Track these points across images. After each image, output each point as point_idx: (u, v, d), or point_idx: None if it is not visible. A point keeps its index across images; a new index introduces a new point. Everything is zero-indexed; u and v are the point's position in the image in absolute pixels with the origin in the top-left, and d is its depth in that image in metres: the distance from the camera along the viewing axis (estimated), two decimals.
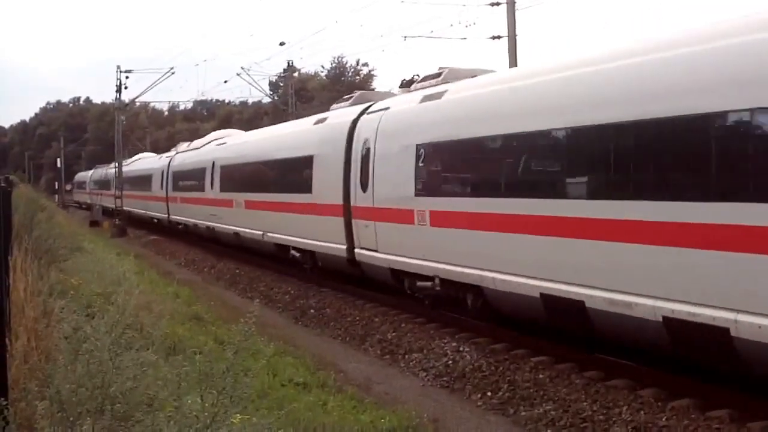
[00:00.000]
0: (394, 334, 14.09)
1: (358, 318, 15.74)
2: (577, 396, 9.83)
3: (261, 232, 22.10)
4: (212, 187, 27.75)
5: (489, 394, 10.56)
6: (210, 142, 32.25)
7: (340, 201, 16.75)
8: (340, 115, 18.50)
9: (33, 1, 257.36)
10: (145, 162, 47.45)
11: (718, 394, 9.13)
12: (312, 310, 17.24)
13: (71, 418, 4.74)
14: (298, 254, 19.86)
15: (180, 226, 33.96)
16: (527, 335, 12.30)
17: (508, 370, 11.20)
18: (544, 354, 11.52)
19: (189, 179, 31.98)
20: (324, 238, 17.80)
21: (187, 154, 34.14)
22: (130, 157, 55.40)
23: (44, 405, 4.90)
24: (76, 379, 4.99)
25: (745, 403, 8.76)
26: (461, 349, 12.37)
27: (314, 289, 19.09)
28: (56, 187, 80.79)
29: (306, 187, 18.85)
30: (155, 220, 39.51)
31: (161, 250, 32.87)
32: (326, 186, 17.62)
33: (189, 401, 5.19)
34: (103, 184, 60.18)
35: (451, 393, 10.96)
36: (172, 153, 38.80)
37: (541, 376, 10.73)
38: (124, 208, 45.23)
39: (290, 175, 20.51)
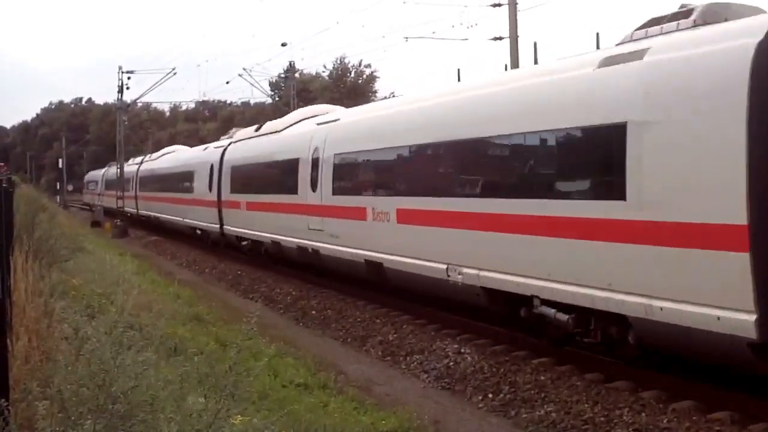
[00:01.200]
0: (395, 335, 14.09)
1: (359, 319, 15.74)
2: (578, 398, 9.82)
3: (443, 266, 13.00)
4: (315, 188, 18.44)
5: (490, 395, 10.55)
6: (300, 121, 22.12)
7: None
8: (727, 33, 8.78)
9: (35, 0, 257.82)
10: (180, 156, 37.93)
11: (720, 395, 9.12)
12: (313, 311, 17.23)
13: (72, 417, 4.74)
14: (590, 329, 10.51)
15: (244, 243, 24.55)
16: (528, 337, 12.28)
17: (509, 371, 11.19)
18: (546, 356, 11.51)
19: (262, 177, 23.16)
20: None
21: (254, 142, 24.56)
22: (129, 157, 54.40)
23: (45, 405, 4.90)
24: (78, 379, 4.99)
25: (747, 404, 8.76)
26: (462, 350, 12.37)
27: (315, 290, 19.08)
28: (58, 187, 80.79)
29: (612, 188, 9.61)
30: (198, 231, 30.37)
31: (162, 251, 32.88)
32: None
33: (191, 401, 5.19)
34: (118, 183, 51.22)
35: (452, 395, 10.95)
36: (224, 142, 29.31)
37: (542, 377, 10.73)
38: (147, 213, 40.58)
39: (562, 163, 10.93)
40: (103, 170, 64.86)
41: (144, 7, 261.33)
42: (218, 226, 26.95)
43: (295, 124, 22.15)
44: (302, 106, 39.64)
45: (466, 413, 10.07)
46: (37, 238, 13.09)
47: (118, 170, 46.74)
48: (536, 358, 11.47)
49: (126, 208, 46.62)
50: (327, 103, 30.65)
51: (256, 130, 25.35)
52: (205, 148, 32.03)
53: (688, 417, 8.75)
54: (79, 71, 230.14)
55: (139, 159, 49.35)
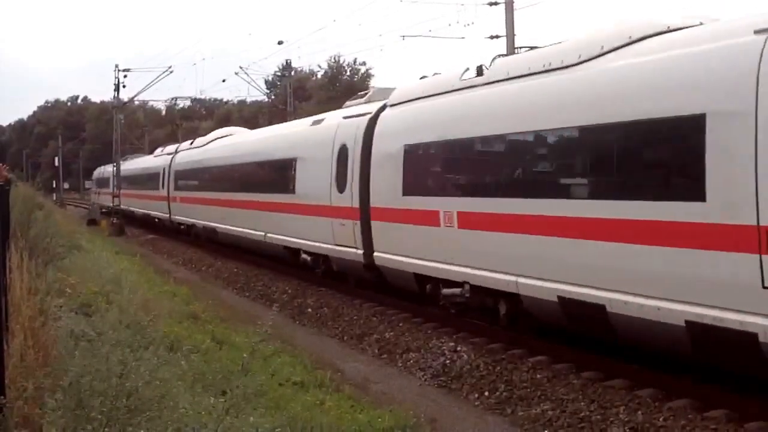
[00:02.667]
0: (391, 333, 14.09)
1: (355, 317, 15.73)
2: (574, 396, 9.83)
3: None
4: None
5: (486, 393, 10.56)
6: (657, 34, 10.11)
7: None
8: None
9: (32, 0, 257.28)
10: (252, 139, 26.73)
11: (716, 394, 9.13)
12: (309, 310, 17.22)
13: (85, 409, 4.77)
14: None
15: (457, 297, 12.94)
16: (524, 335, 12.29)
17: (505, 369, 11.20)
18: (542, 354, 11.51)
19: (529, 163, 11.93)
20: None
21: (482, 96, 12.68)
22: (124, 156, 52.20)
23: (57, 397, 4.93)
24: (92, 373, 5.03)
25: (743, 403, 8.77)
26: (458, 348, 12.37)
27: (312, 288, 19.05)
28: (54, 185, 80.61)
29: None
30: (305, 257, 18.98)
31: (159, 249, 32.81)
32: None
33: (189, 401, 5.21)
34: (143, 181, 40.37)
35: (449, 393, 10.96)
36: (365, 106, 17.14)
37: (538, 376, 10.74)
38: (188, 220, 30.72)
39: None
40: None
41: (141, 7, 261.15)
42: (359, 250, 15.96)
43: (638, 41, 10.20)
44: (298, 105, 35.90)
45: (462, 411, 10.08)
46: (33, 236, 13.08)
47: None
48: (532, 357, 11.47)
49: (153, 212, 37.32)
50: (324, 102, 26.23)
51: (481, 73, 12.96)
52: (317, 122, 19.59)
53: (684, 415, 8.76)
54: (75, 70, 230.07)
55: (171, 148, 38.23)
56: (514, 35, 25.34)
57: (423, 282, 13.95)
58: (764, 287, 7.84)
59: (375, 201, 15.29)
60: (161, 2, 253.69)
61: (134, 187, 42.65)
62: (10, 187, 11.21)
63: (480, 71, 13.11)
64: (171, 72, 44.21)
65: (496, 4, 26.18)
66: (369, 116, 16.04)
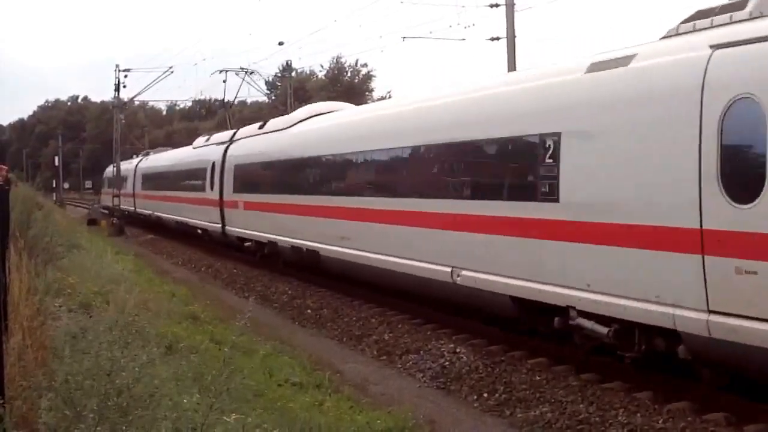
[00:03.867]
0: (390, 334, 14.08)
1: (355, 318, 15.73)
2: (573, 398, 9.83)
3: None
4: None
5: (485, 395, 10.55)
6: None
7: None
8: None
9: None
10: (395, 107, 17.01)
11: (715, 396, 9.13)
12: (309, 311, 17.22)
13: (78, 408, 4.77)
14: None
15: None
16: (523, 337, 12.28)
17: (504, 371, 11.20)
18: (541, 356, 11.51)
19: None
20: None
21: None
22: (125, 157, 53.06)
23: (50, 397, 4.93)
24: (83, 372, 5.03)
25: (742, 405, 8.77)
26: (458, 350, 12.36)
27: (312, 290, 19.05)
28: (54, 185, 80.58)
29: None
30: (640, 345, 9.39)
31: (159, 250, 32.82)
32: None
33: (185, 399, 5.21)
34: (179, 180, 32.10)
35: (448, 394, 10.95)
36: (758, 23, 8.16)
37: (537, 377, 10.73)
38: (253, 234, 22.46)
39: None
40: (136, 161, 44.58)
41: (141, 7, 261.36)
42: None
43: None
44: (298, 105, 34.57)
45: (461, 413, 10.07)
46: (32, 236, 13.07)
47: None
48: (532, 359, 11.47)
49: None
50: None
51: None
52: (605, 65, 9.91)
53: (683, 418, 8.75)
54: (76, 70, 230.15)
55: (222, 135, 28.85)
56: (514, 37, 25.35)
57: None
58: None
59: None
60: (161, 2, 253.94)
61: (164, 188, 34.10)
62: (10, 187, 11.21)
63: None
64: (171, 72, 44.25)
65: (497, 5, 26.19)
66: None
